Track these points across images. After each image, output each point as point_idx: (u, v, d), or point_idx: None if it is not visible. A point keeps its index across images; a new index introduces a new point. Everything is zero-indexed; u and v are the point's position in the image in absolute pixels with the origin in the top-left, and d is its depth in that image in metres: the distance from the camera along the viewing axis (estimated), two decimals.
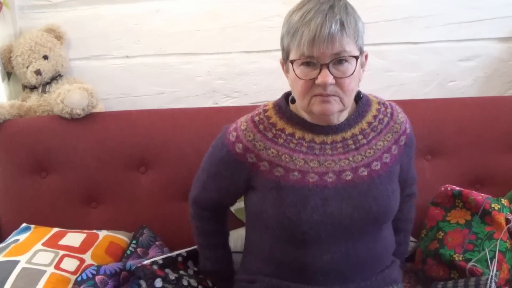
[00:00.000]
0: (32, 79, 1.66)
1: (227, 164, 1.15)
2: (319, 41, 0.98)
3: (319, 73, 1.00)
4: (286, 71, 1.10)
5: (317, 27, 0.97)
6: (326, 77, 0.99)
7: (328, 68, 1.00)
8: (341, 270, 1.10)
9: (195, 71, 1.80)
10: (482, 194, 1.38)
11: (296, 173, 1.08)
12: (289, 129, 1.12)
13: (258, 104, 1.78)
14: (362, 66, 1.10)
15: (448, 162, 1.60)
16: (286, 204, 1.07)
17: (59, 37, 1.71)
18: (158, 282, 1.19)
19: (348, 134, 1.12)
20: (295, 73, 1.03)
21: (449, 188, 1.43)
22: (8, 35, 1.71)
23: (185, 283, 1.24)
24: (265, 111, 1.15)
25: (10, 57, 1.69)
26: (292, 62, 1.03)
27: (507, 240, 1.32)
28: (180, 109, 1.65)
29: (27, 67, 1.66)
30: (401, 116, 1.18)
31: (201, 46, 1.77)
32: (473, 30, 1.76)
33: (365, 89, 1.79)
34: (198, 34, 1.76)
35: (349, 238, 1.09)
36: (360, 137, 1.12)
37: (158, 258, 1.26)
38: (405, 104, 1.60)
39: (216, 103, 1.84)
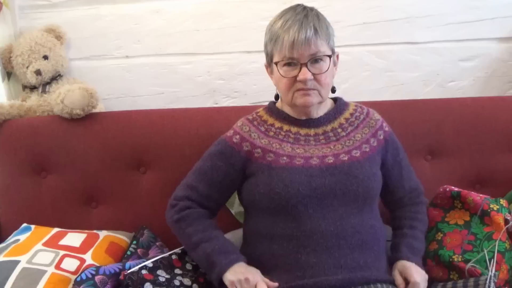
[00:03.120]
0: (32, 79, 1.67)
1: (224, 154, 1.29)
2: (298, 44, 1.17)
3: (300, 71, 1.19)
4: (271, 73, 1.29)
5: (295, 33, 1.17)
6: (306, 74, 1.19)
7: (306, 66, 1.19)
8: (329, 245, 1.18)
9: (195, 71, 1.80)
10: (481, 195, 1.38)
11: (285, 158, 1.24)
12: (278, 124, 1.31)
13: (258, 104, 1.81)
14: (335, 64, 1.29)
15: (448, 162, 1.60)
16: (275, 181, 1.21)
17: (59, 37, 1.72)
18: (148, 287, 1.19)
19: (328, 127, 1.30)
20: (280, 73, 1.22)
21: (447, 189, 1.43)
22: (8, 35, 1.72)
23: (177, 283, 1.24)
24: (256, 113, 1.36)
25: (10, 57, 1.69)
26: (276, 63, 1.22)
27: (506, 241, 1.32)
28: (180, 109, 1.65)
29: (27, 67, 1.66)
30: (377, 115, 1.35)
31: (201, 46, 1.78)
32: (473, 30, 1.76)
33: (365, 89, 1.81)
34: (198, 34, 1.76)
35: (336, 214, 1.20)
36: (339, 130, 1.30)
37: (148, 262, 1.26)
38: (405, 104, 1.62)
39: (216, 103, 1.84)
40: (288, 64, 1.21)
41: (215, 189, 1.29)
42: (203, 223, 1.26)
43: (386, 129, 1.34)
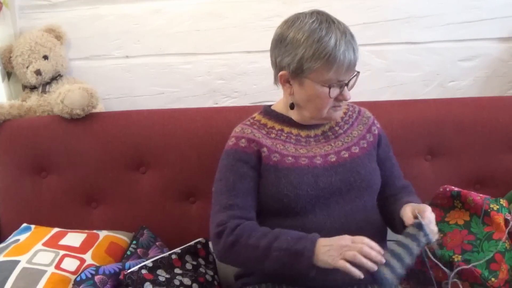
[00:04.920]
0: (32, 79, 1.67)
1: (241, 160, 1.24)
2: (350, 68, 1.19)
3: (341, 91, 1.21)
4: (300, 85, 1.22)
5: (350, 57, 1.17)
6: (349, 94, 1.22)
7: (347, 86, 1.21)
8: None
9: (195, 71, 1.80)
10: (481, 195, 1.38)
11: (290, 158, 1.24)
12: (278, 126, 1.31)
13: (258, 104, 1.81)
14: None
15: (448, 162, 1.60)
16: (283, 183, 1.21)
17: (59, 37, 1.72)
18: (147, 286, 1.20)
19: (326, 127, 1.32)
20: (329, 94, 1.19)
21: (447, 189, 1.43)
22: (8, 35, 1.72)
23: (176, 283, 1.24)
24: (253, 118, 1.35)
25: (10, 57, 1.69)
26: (329, 86, 1.18)
27: (506, 241, 1.32)
28: (180, 109, 1.65)
29: (27, 67, 1.66)
30: (368, 113, 1.39)
31: (201, 46, 1.77)
32: (473, 30, 1.76)
33: (365, 89, 1.81)
34: (198, 34, 1.76)
35: (342, 211, 1.22)
36: (336, 128, 1.33)
37: (148, 262, 1.26)
38: (405, 104, 1.62)
39: (216, 103, 1.84)
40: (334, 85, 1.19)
41: (251, 197, 1.23)
42: (260, 230, 1.17)
43: (378, 125, 1.37)
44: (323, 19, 1.18)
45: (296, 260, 1.09)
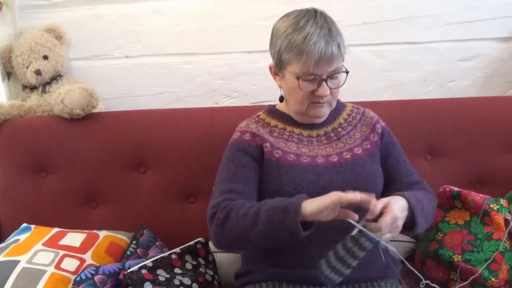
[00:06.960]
0: (32, 79, 1.67)
1: (243, 151, 1.26)
2: (323, 62, 1.16)
3: (318, 86, 1.19)
4: (281, 77, 1.26)
5: (321, 51, 1.15)
6: (326, 91, 1.19)
7: (326, 82, 1.19)
8: (333, 240, 1.13)
9: (195, 71, 1.80)
10: (481, 195, 1.38)
11: (292, 155, 1.25)
12: (280, 125, 1.32)
13: (258, 104, 1.81)
14: None
15: (448, 162, 1.60)
16: (285, 180, 1.21)
17: (59, 37, 1.72)
18: (147, 286, 1.20)
19: (329, 128, 1.32)
20: (298, 85, 1.19)
21: (448, 189, 1.43)
22: (8, 35, 1.72)
23: (176, 282, 1.24)
24: (257, 116, 1.36)
25: (10, 57, 1.69)
26: (297, 78, 1.19)
27: (506, 241, 1.32)
28: (180, 109, 1.65)
29: (27, 67, 1.66)
30: (372, 113, 1.38)
31: (201, 46, 1.78)
32: (473, 30, 1.76)
33: (365, 89, 1.81)
34: (198, 34, 1.76)
35: None
36: (339, 129, 1.32)
37: (148, 262, 1.26)
38: (405, 104, 1.62)
39: (216, 103, 1.84)
40: (308, 79, 1.19)
41: (251, 185, 1.23)
42: (250, 203, 1.17)
43: (383, 124, 1.36)
44: (307, 14, 1.19)
45: (284, 215, 1.08)
